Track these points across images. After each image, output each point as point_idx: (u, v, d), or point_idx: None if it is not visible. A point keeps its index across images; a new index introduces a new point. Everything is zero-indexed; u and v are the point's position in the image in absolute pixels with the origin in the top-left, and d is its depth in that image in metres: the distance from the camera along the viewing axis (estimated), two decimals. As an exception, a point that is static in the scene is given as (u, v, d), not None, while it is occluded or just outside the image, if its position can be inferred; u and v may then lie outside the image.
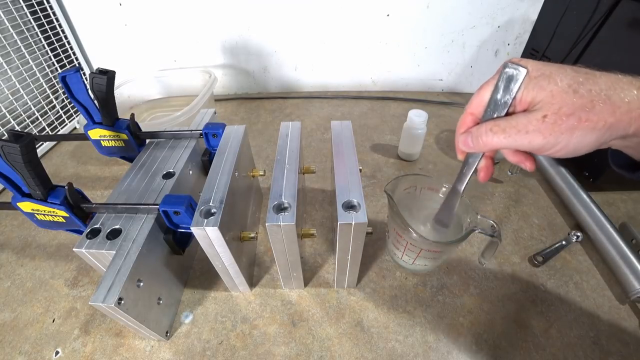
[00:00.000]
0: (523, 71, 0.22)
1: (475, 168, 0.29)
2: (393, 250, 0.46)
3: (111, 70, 0.45)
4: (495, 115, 0.25)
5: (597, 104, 0.21)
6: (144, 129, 0.51)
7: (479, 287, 0.46)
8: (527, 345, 0.40)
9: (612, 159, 0.28)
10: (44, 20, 0.75)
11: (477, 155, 0.28)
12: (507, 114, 0.24)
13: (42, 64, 0.76)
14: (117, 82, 0.53)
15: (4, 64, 0.66)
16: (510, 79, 0.23)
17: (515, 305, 0.43)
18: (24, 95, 0.71)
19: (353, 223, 0.33)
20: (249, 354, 0.40)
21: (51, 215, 0.38)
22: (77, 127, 0.82)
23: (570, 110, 0.21)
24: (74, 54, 0.85)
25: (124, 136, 0.49)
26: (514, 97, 0.23)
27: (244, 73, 0.94)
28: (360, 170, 0.40)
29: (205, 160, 0.52)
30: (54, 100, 0.78)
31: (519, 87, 0.23)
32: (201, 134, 0.49)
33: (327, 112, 0.86)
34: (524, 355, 0.39)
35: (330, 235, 0.53)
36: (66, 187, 0.37)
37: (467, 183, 0.31)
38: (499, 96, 0.24)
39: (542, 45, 0.69)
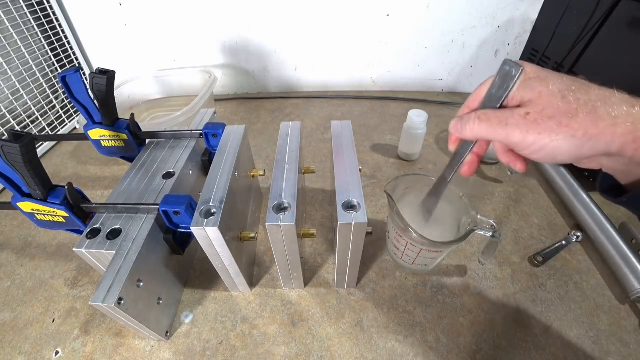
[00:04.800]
0: (519, 69, 0.23)
1: (463, 160, 0.29)
2: (393, 250, 0.46)
3: (111, 70, 0.45)
4: None
5: (581, 112, 0.21)
6: (144, 129, 0.51)
7: (479, 287, 0.46)
8: (527, 345, 0.40)
9: (600, 182, 0.28)
10: (44, 20, 0.75)
11: (467, 146, 0.28)
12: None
13: (42, 64, 0.76)
14: (117, 82, 0.53)
15: (4, 64, 0.66)
16: (506, 76, 0.24)
17: (515, 305, 0.44)
18: (24, 95, 0.71)
19: (353, 223, 0.33)
20: (249, 354, 0.40)
21: (51, 215, 0.38)
22: (77, 127, 0.82)
23: (553, 113, 0.21)
24: (74, 54, 0.85)
25: (124, 136, 0.49)
26: (507, 94, 0.24)
27: (244, 73, 0.94)
28: (360, 170, 0.40)
29: (205, 160, 0.52)
30: (54, 100, 0.78)
31: (514, 85, 0.23)
32: (201, 134, 0.49)
33: (327, 112, 0.86)
34: (524, 355, 0.39)
35: (330, 235, 0.53)
36: (66, 187, 0.37)
37: (454, 173, 0.31)
38: (494, 91, 0.25)
39: (542, 45, 0.69)
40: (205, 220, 0.34)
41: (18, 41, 0.69)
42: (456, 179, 0.31)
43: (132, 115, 0.50)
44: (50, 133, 0.76)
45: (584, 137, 0.21)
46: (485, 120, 0.24)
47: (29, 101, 0.72)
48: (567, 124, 0.21)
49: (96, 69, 0.44)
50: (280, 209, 0.35)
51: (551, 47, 0.66)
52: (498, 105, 0.25)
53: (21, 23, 0.70)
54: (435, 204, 0.37)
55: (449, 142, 0.29)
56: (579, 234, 0.50)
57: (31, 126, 0.73)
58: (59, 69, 0.81)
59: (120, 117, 0.49)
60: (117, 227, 0.38)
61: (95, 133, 0.49)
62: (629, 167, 0.23)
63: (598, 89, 0.22)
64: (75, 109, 0.84)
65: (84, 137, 0.50)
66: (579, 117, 0.21)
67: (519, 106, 0.23)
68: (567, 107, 0.21)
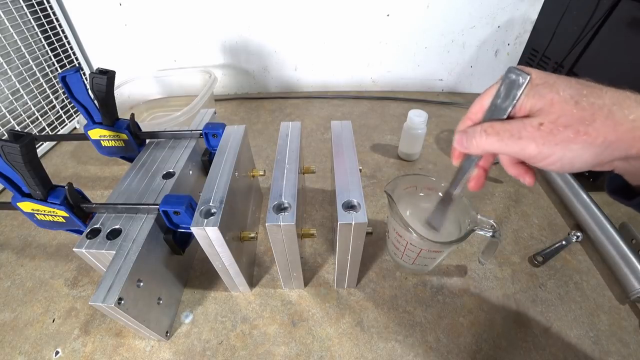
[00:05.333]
0: (526, 77, 0.22)
1: (468, 175, 0.28)
2: (393, 250, 0.46)
3: (111, 70, 0.45)
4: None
5: (599, 118, 0.20)
6: (144, 129, 0.51)
7: (479, 287, 0.46)
8: (527, 345, 0.40)
9: (608, 183, 0.27)
10: (44, 20, 0.75)
11: (472, 161, 0.27)
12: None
13: (42, 64, 0.76)
14: (117, 82, 0.53)
15: (4, 64, 0.66)
16: (512, 84, 0.22)
17: (515, 305, 0.44)
18: (24, 95, 0.71)
19: (353, 223, 0.33)
20: (249, 354, 0.40)
21: (51, 215, 0.38)
22: (77, 127, 0.82)
23: (568, 122, 0.20)
24: (74, 54, 0.85)
25: (124, 136, 0.49)
26: (515, 104, 0.22)
27: (244, 73, 0.94)
28: (360, 170, 0.40)
29: (205, 160, 0.52)
30: (54, 100, 0.78)
31: (521, 94, 0.22)
32: (201, 134, 0.49)
33: (327, 112, 0.86)
34: (524, 355, 0.39)
35: (330, 235, 0.53)
36: (66, 187, 0.37)
37: (460, 189, 0.29)
38: (499, 101, 0.23)
39: (542, 45, 0.69)
40: (205, 220, 0.34)
41: (18, 41, 0.69)
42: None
43: (132, 115, 0.50)
44: (50, 133, 0.76)
45: (603, 144, 0.20)
46: (493, 133, 0.23)
47: (29, 101, 0.72)
48: (585, 131, 0.20)
49: (96, 69, 0.44)
50: (280, 209, 0.35)
51: (551, 47, 0.66)
52: (505, 116, 0.23)
53: (21, 23, 0.70)
54: (441, 221, 0.34)
55: (452, 157, 0.28)
56: (579, 234, 0.50)
57: (31, 126, 0.73)
58: (59, 69, 0.81)
59: (120, 117, 0.49)
60: (117, 227, 0.38)
61: (95, 133, 0.49)
62: None
63: (610, 90, 0.21)
64: (75, 109, 0.84)
65: (84, 137, 0.50)
66: (596, 124, 0.20)
67: (527, 116, 0.22)
68: (583, 113, 0.20)
